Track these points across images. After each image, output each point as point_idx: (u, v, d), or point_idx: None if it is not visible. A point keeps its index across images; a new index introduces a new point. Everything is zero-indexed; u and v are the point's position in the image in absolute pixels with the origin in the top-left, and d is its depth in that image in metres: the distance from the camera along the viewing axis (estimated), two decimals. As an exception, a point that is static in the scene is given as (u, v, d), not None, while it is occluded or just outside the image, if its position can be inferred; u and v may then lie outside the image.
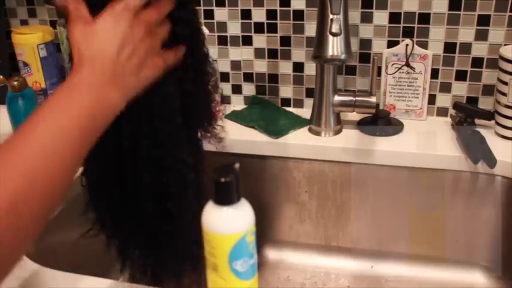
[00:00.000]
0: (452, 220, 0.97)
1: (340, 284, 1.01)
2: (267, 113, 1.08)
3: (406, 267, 1.02)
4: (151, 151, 0.61)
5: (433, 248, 1.01)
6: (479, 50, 0.99)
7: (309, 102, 1.08)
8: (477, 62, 1.00)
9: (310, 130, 1.02)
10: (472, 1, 0.96)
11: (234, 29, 1.09)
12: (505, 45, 0.97)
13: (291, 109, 1.11)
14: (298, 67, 1.09)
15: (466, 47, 1.00)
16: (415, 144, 0.96)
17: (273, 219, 1.06)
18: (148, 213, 0.65)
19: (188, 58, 0.62)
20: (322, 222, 1.04)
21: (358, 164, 0.97)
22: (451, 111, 1.03)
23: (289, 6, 1.04)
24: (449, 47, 1.00)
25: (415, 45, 1.00)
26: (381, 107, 1.06)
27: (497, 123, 0.97)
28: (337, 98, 0.98)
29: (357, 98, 0.97)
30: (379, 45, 1.03)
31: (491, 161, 0.88)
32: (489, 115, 0.98)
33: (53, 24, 1.16)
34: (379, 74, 1.03)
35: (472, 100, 1.03)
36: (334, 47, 0.92)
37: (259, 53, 1.10)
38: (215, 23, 1.09)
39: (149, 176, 0.62)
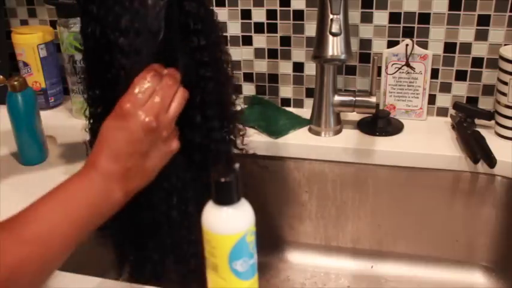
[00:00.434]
0: (452, 220, 0.97)
1: (340, 284, 1.01)
2: (267, 113, 1.08)
3: (406, 267, 1.02)
4: None
5: (433, 248, 1.01)
6: (479, 50, 0.99)
7: (309, 102, 1.08)
8: (477, 62, 1.00)
9: (310, 130, 1.02)
10: (472, 1, 0.96)
11: (234, 29, 1.08)
12: (505, 45, 0.97)
13: (291, 109, 1.11)
14: (298, 67, 1.09)
15: (466, 47, 1.00)
16: (415, 144, 0.96)
17: (273, 219, 1.06)
18: (149, 216, 0.65)
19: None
20: (322, 222, 1.04)
21: (358, 164, 0.97)
22: (451, 111, 1.03)
23: (289, 6, 1.04)
24: (449, 47, 1.00)
25: (415, 45, 1.00)
26: (381, 107, 1.06)
27: (497, 123, 0.97)
28: (337, 98, 0.98)
29: (357, 98, 0.97)
30: (379, 45, 1.03)
31: (491, 161, 0.88)
32: (489, 115, 0.98)
33: (53, 24, 1.16)
34: (379, 74, 1.03)
35: (472, 100, 1.03)
36: (334, 47, 0.92)
37: (259, 53, 1.10)
38: (215, 23, 1.09)
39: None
